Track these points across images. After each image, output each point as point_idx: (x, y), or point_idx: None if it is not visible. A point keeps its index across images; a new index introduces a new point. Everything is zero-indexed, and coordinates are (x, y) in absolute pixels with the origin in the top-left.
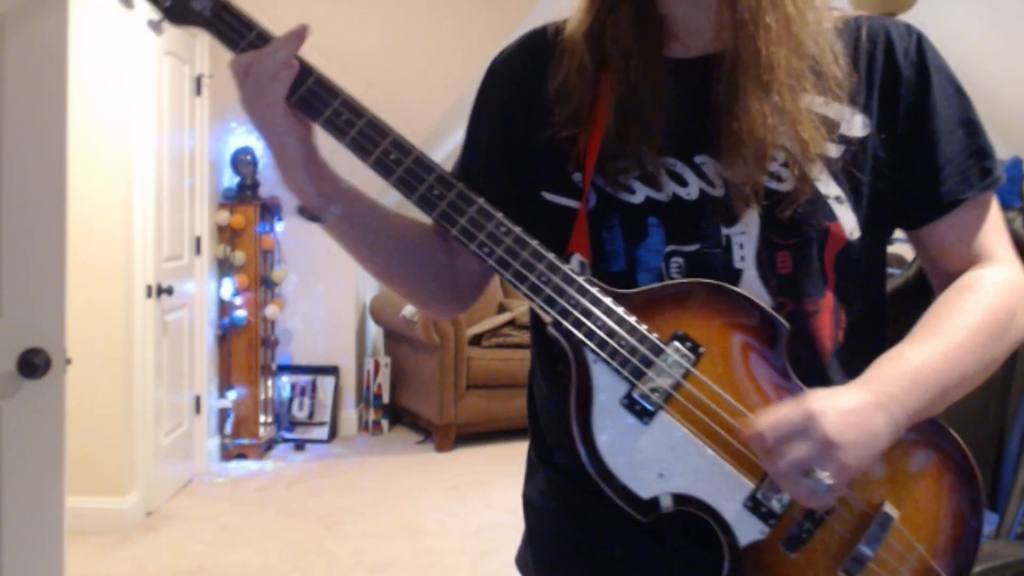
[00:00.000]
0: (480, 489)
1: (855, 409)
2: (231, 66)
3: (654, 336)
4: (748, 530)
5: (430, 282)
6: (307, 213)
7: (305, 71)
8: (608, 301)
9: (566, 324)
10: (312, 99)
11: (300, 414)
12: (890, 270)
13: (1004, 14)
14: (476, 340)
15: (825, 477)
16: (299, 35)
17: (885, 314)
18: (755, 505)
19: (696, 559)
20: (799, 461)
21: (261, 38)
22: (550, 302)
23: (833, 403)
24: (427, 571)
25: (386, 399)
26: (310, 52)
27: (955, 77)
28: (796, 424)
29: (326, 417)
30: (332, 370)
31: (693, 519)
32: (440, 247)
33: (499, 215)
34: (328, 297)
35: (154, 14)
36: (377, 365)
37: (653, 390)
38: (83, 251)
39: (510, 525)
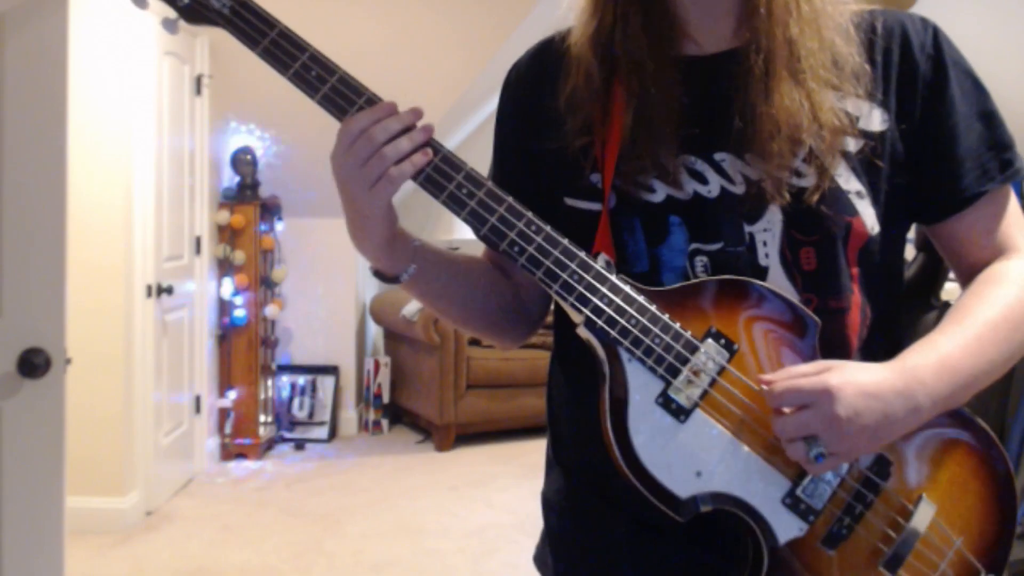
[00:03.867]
0: (480, 489)
1: (876, 392)
2: (343, 128)
3: (688, 334)
4: (787, 527)
5: (500, 316)
6: (383, 277)
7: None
8: (641, 299)
9: (600, 323)
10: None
11: (300, 414)
12: None
13: (1004, 14)
14: (476, 340)
15: (823, 449)
16: (428, 130)
17: (902, 312)
18: (794, 502)
19: (703, 558)
20: (802, 427)
21: (284, 37)
22: (583, 300)
23: (855, 380)
24: (427, 571)
25: (386, 399)
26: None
27: (972, 70)
28: (810, 394)
29: (326, 417)
30: (332, 370)
31: (706, 519)
32: (504, 280)
33: (529, 214)
34: (328, 297)
35: (170, 13)
36: (377, 365)
37: (689, 388)
38: (83, 251)
39: (510, 525)
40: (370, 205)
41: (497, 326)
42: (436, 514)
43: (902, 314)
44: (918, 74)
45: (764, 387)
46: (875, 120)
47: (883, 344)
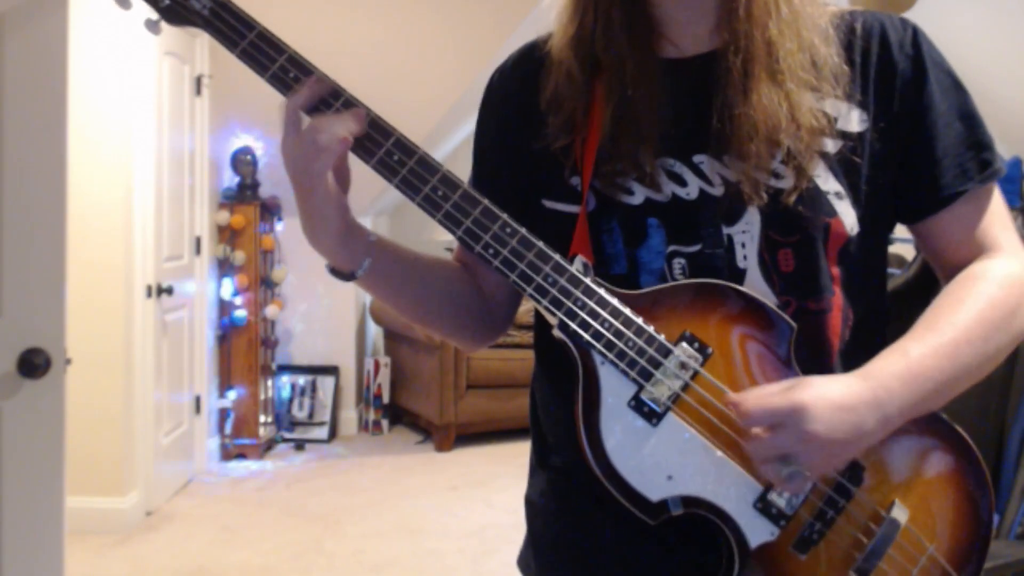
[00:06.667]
0: (480, 489)
1: (848, 405)
2: (284, 108)
3: (661, 337)
4: (758, 532)
5: (463, 318)
6: (338, 274)
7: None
8: (615, 302)
9: (573, 326)
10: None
11: (300, 414)
12: (890, 270)
13: (1004, 14)
14: None
15: (802, 467)
16: (360, 117)
17: (886, 312)
18: (765, 506)
19: (694, 560)
20: (778, 448)
21: (262, 38)
22: (556, 303)
23: (826, 396)
24: (427, 571)
25: (386, 399)
26: (310, 54)
27: (952, 70)
28: (783, 413)
29: (326, 417)
30: (332, 370)
31: (692, 520)
32: (471, 283)
33: (504, 216)
34: (328, 297)
35: (152, 14)
36: (377, 365)
37: (661, 391)
38: (83, 251)
39: (510, 525)
40: (315, 190)
41: (459, 327)
42: (436, 514)
43: (888, 315)
44: (897, 73)
45: (732, 409)
46: (853, 121)
47: (866, 346)
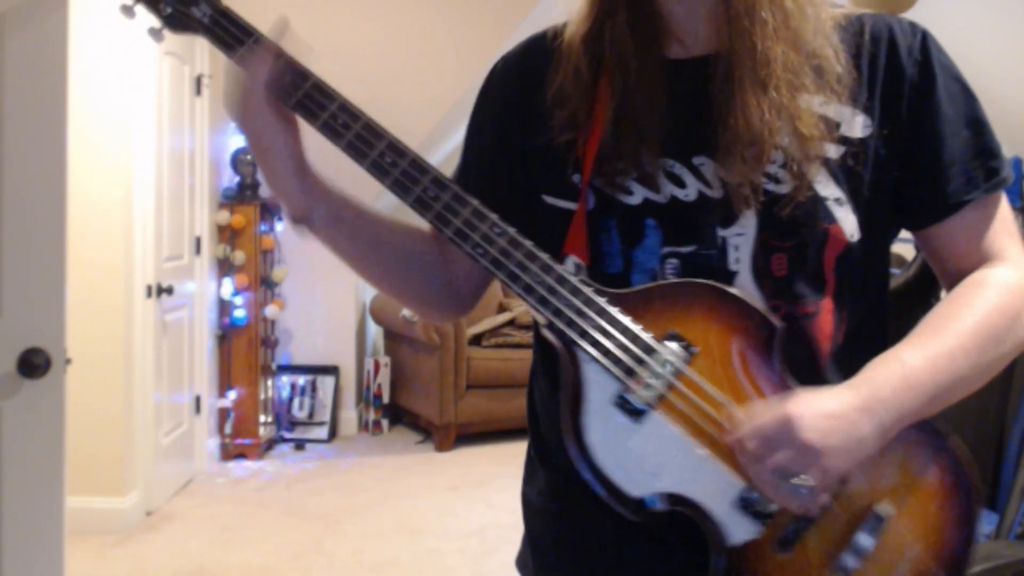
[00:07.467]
0: (480, 489)
1: (839, 413)
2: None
3: (647, 335)
4: (740, 530)
5: (427, 287)
6: (294, 219)
7: (302, 75)
8: (601, 301)
9: (559, 324)
10: (309, 103)
11: (300, 414)
12: (890, 270)
13: (1004, 14)
14: (476, 340)
15: (805, 482)
16: (278, 30)
17: (887, 315)
18: (746, 505)
19: (693, 560)
20: (777, 467)
21: (260, 44)
22: (543, 302)
23: (815, 406)
24: (427, 571)
25: (386, 399)
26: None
27: (961, 75)
28: (774, 429)
29: (326, 417)
30: (332, 370)
31: (692, 520)
32: (436, 252)
33: (493, 216)
34: (328, 297)
35: (155, 22)
36: (377, 365)
37: (645, 389)
38: (83, 251)
39: (510, 525)
40: (258, 115)
41: (422, 295)
42: (436, 514)
43: (887, 319)
44: (904, 78)
45: (729, 438)
46: (857, 126)
47: (866, 348)
